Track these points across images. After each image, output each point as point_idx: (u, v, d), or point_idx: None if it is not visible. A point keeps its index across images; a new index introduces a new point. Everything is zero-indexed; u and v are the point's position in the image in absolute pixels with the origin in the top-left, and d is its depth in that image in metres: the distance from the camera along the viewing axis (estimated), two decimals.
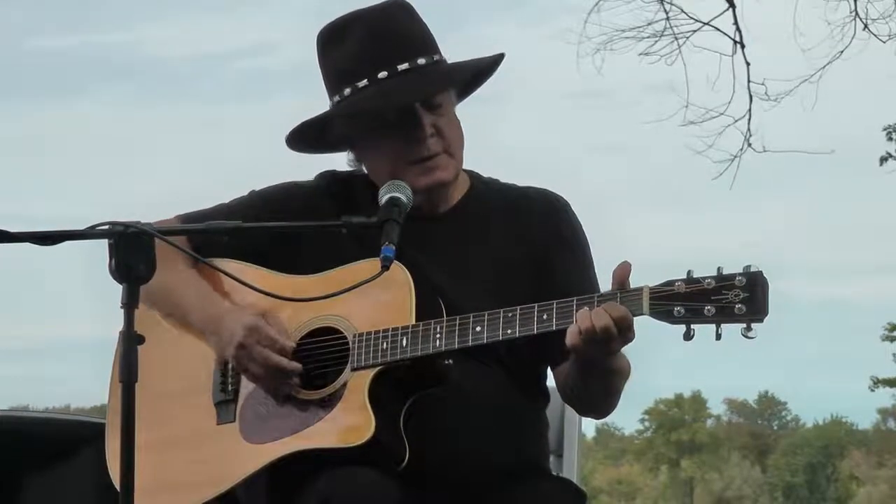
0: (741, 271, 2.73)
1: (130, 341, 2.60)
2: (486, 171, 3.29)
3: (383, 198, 2.95)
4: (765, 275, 2.72)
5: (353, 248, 3.04)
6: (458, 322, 2.92)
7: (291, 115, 3.18)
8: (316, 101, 3.19)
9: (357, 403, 2.94)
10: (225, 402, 3.12)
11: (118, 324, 2.67)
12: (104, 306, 2.79)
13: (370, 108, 3.09)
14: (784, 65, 14.32)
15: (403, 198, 2.94)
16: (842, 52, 13.57)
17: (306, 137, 3.21)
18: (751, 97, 13.68)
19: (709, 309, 2.73)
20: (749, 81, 13.61)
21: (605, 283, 2.92)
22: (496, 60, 3.18)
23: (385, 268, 2.84)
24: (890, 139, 17.95)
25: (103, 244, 2.64)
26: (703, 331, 2.74)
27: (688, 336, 2.76)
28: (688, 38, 13.71)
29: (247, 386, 3.10)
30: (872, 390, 48.28)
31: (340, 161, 3.30)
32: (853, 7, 13.56)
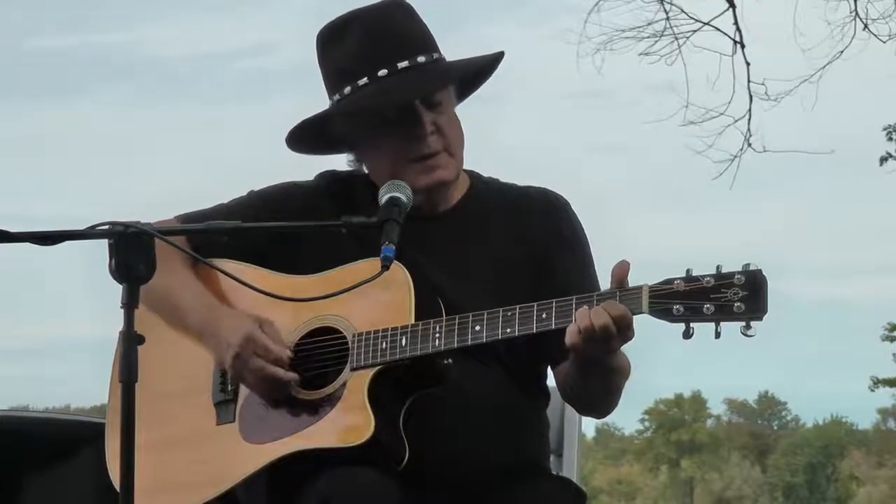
0: (740, 270, 2.73)
1: (130, 341, 2.60)
2: (486, 171, 3.29)
3: (383, 198, 2.95)
4: (764, 273, 2.72)
5: (353, 248, 3.04)
6: (457, 321, 2.92)
7: (291, 115, 3.18)
8: (316, 100, 3.20)
9: (356, 403, 2.94)
10: (225, 403, 3.12)
11: (118, 324, 2.67)
12: (104, 306, 2.79)
13: (370, 106, 3.09)
14: (784, 65, 14.33)
15: (403, 198, 2.94)
16: (842, 52, 13.58)
17: (306, 137, 3.21)
18: (751, 97, 13.70)
19: (708, 307, 2.73)
20: (749, 81, 13.63)
21: (605, 283, 2.92)
22: (496, 59, 3.18)
23: (385, 268, 2.84)
24: (890, 139, 17.96)
25: (103, 244, 2.64)
26: (703, 330, 2.74)
27: (687, 334, 2.76)
28: (688, 38, 13.72)
29: None
30: (872, 390, 48.31)
31: (340, 162, 3.31)
32: (853, 7, 13.58)
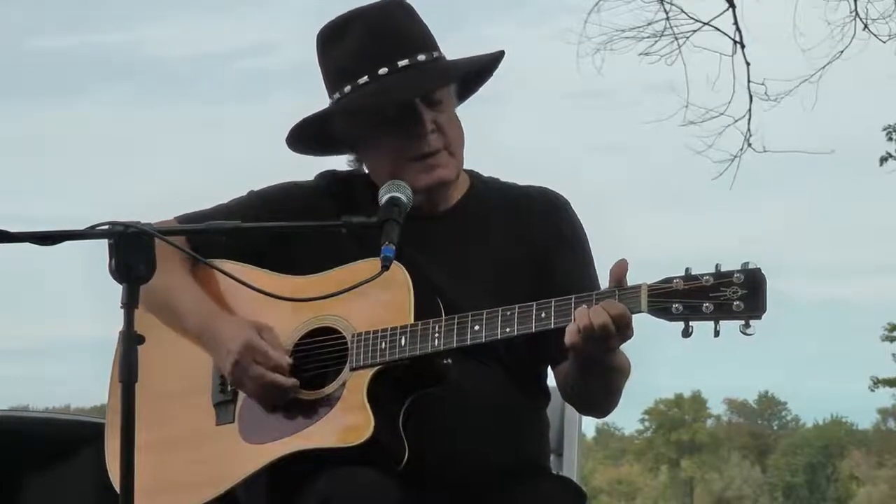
0: (739, 268, 2.73)
1: (130, 341, 2.60)
2: (486, 171, 3.29)
3: (383, 198, 2.95)
4: (763, 271, 2.72)
5: (353, 248, 3.04)
6: (456, 321, 2.92)
7: (291, 115, 3.19)
8: (316, 100, 3.20)
9: (356, 403, 2.94)
10: (224, 403, 3.12)
11: (118, 324, 2.67)
12: (104, 306, 2.79)
13: (371, 104, 3.09)
14: (784, 65, 14.33)
15: (403, 198, 2.94)
16: (842, 52, 13.58)
17: (306, 137, 3.21)
18: (751, 97, 13.69)
19: (707, 306, 2.73)
20: (749, 81, 13.62)
21: (605, 283, 2.92)
22: (497, 58, 3.18)
23: (385, 268, 2.84)
24: (890, 139, 17.95)
25: (103, 244, 2.64)
26: (702, 329, 2.74)
27: (686, 333, 2.76)
28: (688, 38, 13.72)
29: None
30: (872, 390, 48.32)
31: (340, 162, 3.30)
32: (853, 7, 13.57)
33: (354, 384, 2.97)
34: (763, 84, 13.60)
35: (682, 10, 13.72)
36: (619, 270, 2.83)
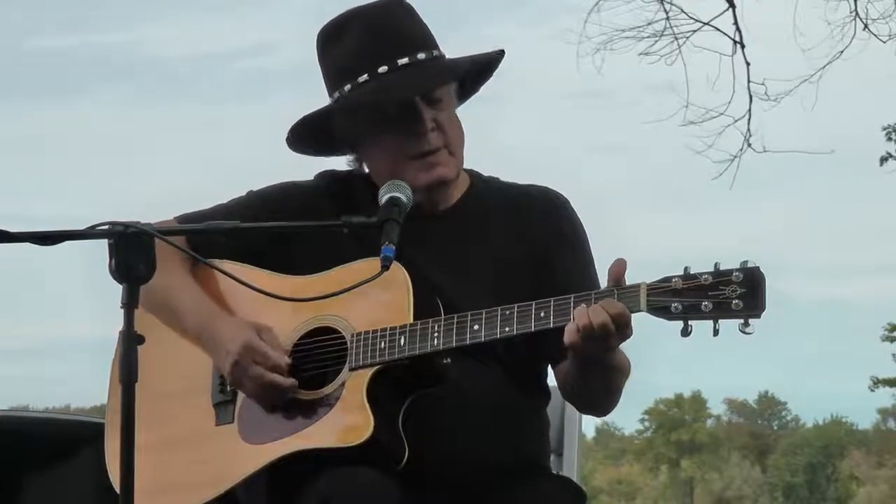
0: (738, 267, 2.73)
1: (130, 341, 2.60)
2: (486, 171, 3.29)
3: (383, 197, 2.95)
4: (762, 270, 2.72)
5: (353, 247, 3.04)
6: (455, 321, 2.92)
7: (291, 115, 3.18)
8: (316, 100, 3.20)
9: (356, 403, 2.95)
10: (224, 403, 3.12)
11: (118, 324, 2.67)
12: (104, 306, 2.79)
13: (370, 102, 3.09)
14: (784, 65, 14.34)
15: (403, 198, 2.94)
16: (842, 52, 13.58)
17: (307, 137, 3.20)
18: (751, 97, 13.69)
19: (706, 305, 2.73)
20: (749, 81, 13.62)
21: (604, 282, 2.91)
22: (497, 56, 3.18)
23: (385, 268, 2.84)
24: (890, 139, 17.99)
25: (103, 244, 2.64)
26: (702, 328, 2.75)
27: (685, 332, 2.76)
28: (688, 38, 13.72)
29: None
30: (872, 390, 48.28)
31: (340, 162, 3.30)
32: (853, 7, 13.58)
33: (354, 384, 2.97)
34: (763, 84, 13.62)
35: (682, 10, 13.73)
36: (618, 270, 2.83)
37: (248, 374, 3.00)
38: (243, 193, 3.28)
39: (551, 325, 2.85)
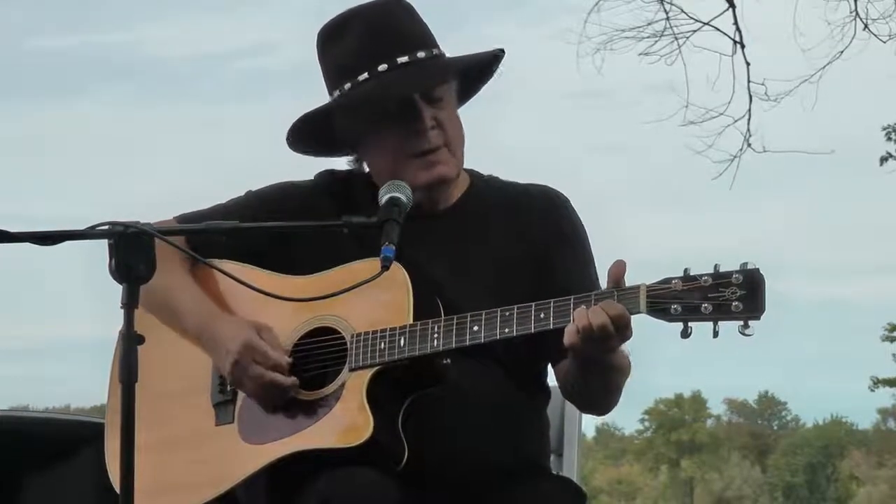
0: (738, 269, 2.73)
1: (130, 341, 2.60)
2: (486, 171, 3.29)
3: (383, 198, 2.95)
4: (762, 272, 2.72)
5: (353, 247, 3.04)
6: (455, 322, 2.92)
7: (291, 115, 3.18)
8: (316, 101, 3.20)
9: (355, 404, 2.94)
10: (224, 403, 3.12)
11: (118, 324, 2.67)
12: (104, 306, 2.79)
13: (370, 99, 3.09)
14: (784, 65, 14.34)
15: (403, 198, 2.94)
16: (842, 52, 13.59)
17: (307, 136, 3.20)
18: (751, 97, 13.70)
19: (706, 307, 2.73)
20: (749, 81, 13.63)
21: (604, 283, 2.91)
22: (496, 54, 3.18)
23: (385, 268, 2.84)
24: (890, 139, 18.01)
25: (103, 244, 2.64)
26: (702, 329, 2.75)
27: (685, 334, 2.76)
28: (688, 38, 13.72)
29: None
30: (872, 390, 48.29)
31: (340, 163, 3.30)
32: (853, 7, 13.58)
33: (354, 384, 2.97)
34: (763, 84, 13.63)
35: (682, 10, 13.74)
36: (618, 271, 2.83)
37: (248, 374, 3.00)
38: (242, 193, 3.28)
39: (551, 327, 2.85)
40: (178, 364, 3.19)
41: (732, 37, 13.60)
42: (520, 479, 3.05)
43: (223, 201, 3.27)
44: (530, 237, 3.17)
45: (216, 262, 3.09)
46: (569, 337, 2.81)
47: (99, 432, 3.25)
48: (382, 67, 3.09)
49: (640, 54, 13.80)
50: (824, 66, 13.63)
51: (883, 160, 17.98)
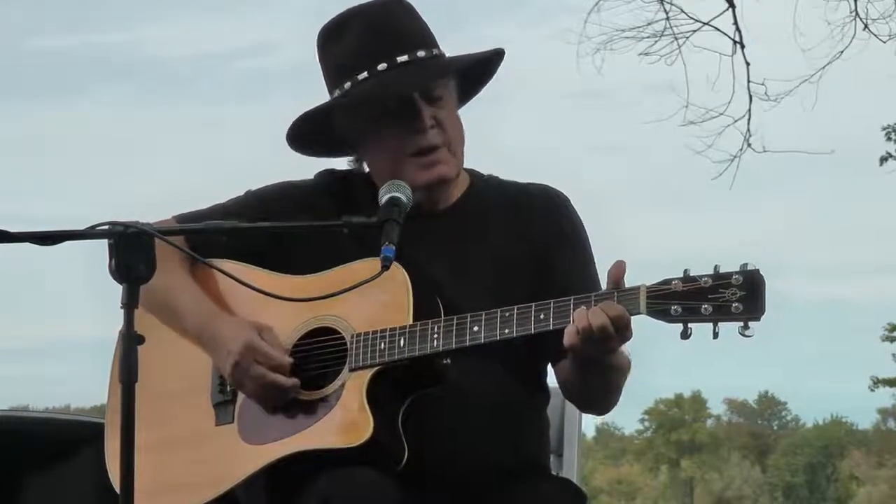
0: (738, 270, 2.73)
1: (130, 341, 2.60)
2: (485, 171, 3.29)
3: (383, 198, 2.94)
4: (762, 273, 2.72)
5: (353, 247, 3.03)
6: (455, 322, 2.92)
7: (291, 115, 3.18)
8: (316, 101, 3.19)
9: (355, 404, 2.94)
10: (223, 404, 3.12)
11: (118, 324, 2.67)
12: (104, 306, 2.79)
13: (369, 98, 3.09)
14: (784, 65, 14.34)
15: (403, 198, 2.94)
16: (842, 52, 13.60)
17: (307, 136, 3.20)
18: (751, 97, 13.71)
19: (706, 308, 2.73)
20: (749, 81, 13.64)
21: (604, 283, 2.91)
22: (497, 53, 3.18)
23: (385, 268, 2.84)
24: (890, 139, 18.03)
25: (103, 244, 2.64)
26: (701, 330, 2.74)
27: (685, 335, 2.76)
28: (688, 38, 13.73)
29: None
30: (872, 390, 48.24)
31: (340, 162, 3.30)
32: (853, 7, 13.59)
33: (354, 385, 2.97)
34: (763, 84, 13.64)
35: (682, 10, 13.74)
36: (618, 272, 2.83)
37: (249, 375, 3.00)
38: (242, 193, 3.28)
39: (551, 328, 2.85)
40: (178, 364, 3.18)
41: (732, 37, 13.62)
42: (520, 479, 3.05)
43: (223, 201, 3.27)
44: (530, 236, 3.16)
45: (216, 261, 3.09)
46: (569, 338, 2.81)
47: (99, 432, 3.25)
48: (382, 66, 3.09)
49: (640, 54, 13.82)
50: (824, 66, 13.65)
51: (883, 160, 18.00)
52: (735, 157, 13.89)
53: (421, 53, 3.11)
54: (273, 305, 2.99)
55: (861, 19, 13.55)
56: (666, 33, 13.70)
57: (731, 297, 2.72)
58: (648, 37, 13.75)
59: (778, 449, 77.03)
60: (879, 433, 76.51)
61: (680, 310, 2.74)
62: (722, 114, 13.78)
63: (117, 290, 2.63)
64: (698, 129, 13.89)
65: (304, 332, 3.06)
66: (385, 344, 2.96)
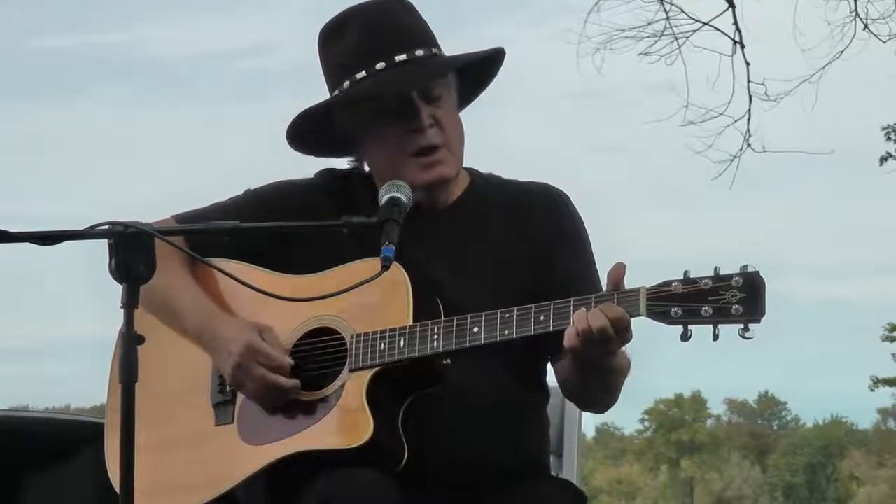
0: (738, 272, 2.73)
1: (130, 341, 2.60)
2: (485, 170, 3.29)
3: (383, 197, 2.94)
4: (762, 275, 2.72)
5: (353, 247, 3.03)
6: (455, 323, 2.92)
7: (291, 115, 3.18)
8: (316, 101, 3.19)
9: (355, 404, 2.94)
10: (223, 404, 3.12)
11: (118, 324, 2.67)
12: (104, 306, 2.79)
13: (367, 97, 3.09)
14: (784, 65, 14.34)
15: (403, 198, 2.93)
16: (842, 52, 13.60)
17: (307, 135, 3.20)
18: (750, 97, 13.71)
19: (706, 310, 2.73)
20: (749, 81, 13.64)
21: (604, 283, 2.91)
22: (496, 53, 3.17)
23: (385, 268, 2.83)
24: (889, 139, 18.02)
25: (103, 244, 2.64)
26: (701, 331, 2.74)
27: (685, 337, 2.75)
28: (688, 38, 13.73)
29: None
30: (872, 390, 48.30)
31: (340, 162, 3.30)
32: (853, 7, 13.59)
33: (353, 385, 2.97)
34: (763, 84, 13.64)
35: (682, 10, 13.75)
36: (617, 274, 2.82)
37: (250, 375, 3.00)
38: (241, 193, 3.28)
39: (551, 329, 2.85)
40: (178, 364, 3.18)
41: (732, 37, 13.62)
42: (520, 479, 3.05)
43: (222, 200, 3.27)
44: (531, 235, 3.16)
45: (216, 261, 3.09)
46: (569, 339, 2.81)
47: (99, 432, 3.25)
48: (381, 65, 3.09)
49: (640, 54, 13.83)
50: (824, 66, 13.66)
51: (883, 160, 18.00)
52: (735, 157, 13.91)
53: (420, 52, 3.11)
54: (273, 305, 2.99)
55: (861, 19, 13.57)
56: (666, 33, 13.72)
57: (731, 299, 2.71)
58: (648, 37, 13.77)
59: (778, 449, 77.03)
60: (879, 433, 76.51)
61: (680, 312, 2.74)
62: (722, 114, 13.80)
63: (117, 290, 2.63)
64: (698, 129, 13.91)
65: (303, 332, 3.06)
66: (385, 344, 2.95)
